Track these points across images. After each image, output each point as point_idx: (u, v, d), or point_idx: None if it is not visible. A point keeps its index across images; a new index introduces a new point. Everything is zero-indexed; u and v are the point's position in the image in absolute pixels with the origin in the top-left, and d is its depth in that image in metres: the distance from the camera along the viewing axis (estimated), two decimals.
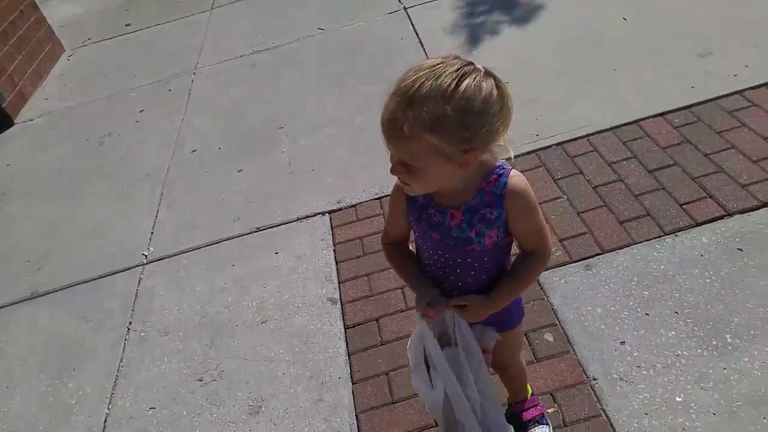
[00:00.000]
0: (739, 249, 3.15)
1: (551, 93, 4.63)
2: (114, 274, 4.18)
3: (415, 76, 1.61)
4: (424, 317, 2.03)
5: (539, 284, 3.26)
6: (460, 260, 1.97)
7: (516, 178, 1.84)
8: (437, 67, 1.61)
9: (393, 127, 1.64)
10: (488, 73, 1.66)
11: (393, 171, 1.75)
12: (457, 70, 1.60)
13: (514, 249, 2.06)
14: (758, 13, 4.91)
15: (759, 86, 4.13)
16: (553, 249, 3.39)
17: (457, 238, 1.90)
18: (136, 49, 7.49)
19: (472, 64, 1.64)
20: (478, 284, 2.02)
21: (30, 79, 6.95)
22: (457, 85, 1.58)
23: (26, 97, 6.80)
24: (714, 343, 2.79)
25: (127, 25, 8.09)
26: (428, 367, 2.19)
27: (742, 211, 3.34)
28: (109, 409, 3.33)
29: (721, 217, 3.34)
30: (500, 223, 1.88)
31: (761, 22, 4.77)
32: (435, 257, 2.01)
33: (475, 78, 1.61)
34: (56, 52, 7.69)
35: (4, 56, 6.53)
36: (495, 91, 1.64)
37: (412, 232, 2.11)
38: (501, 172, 1.83)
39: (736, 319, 2.86)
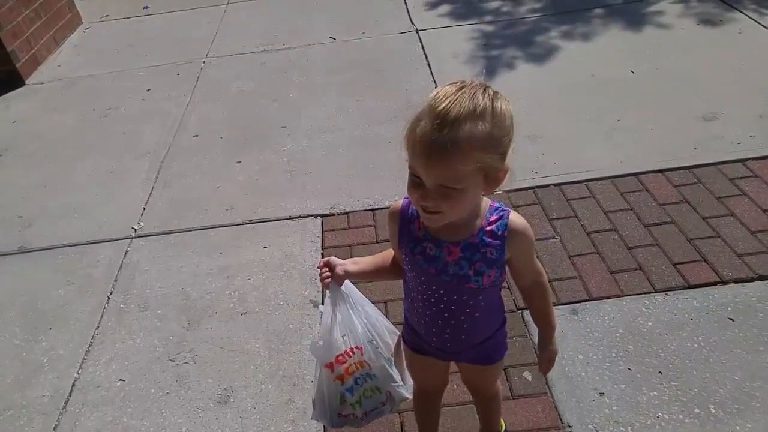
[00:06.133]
0: (730, 319, 2.95)
1: (555, 133, 4.43)
2: (102, 242, 4.02)
3: (448, 99, 1.49)
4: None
5: (524, 321, 3.05)
6: (455, 297, 1.80)
7: (517, 218, 1.75)
8: (465, 90, 1.52)
9: (436, 149, 1.48)
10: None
11: (425, 198, 1.56)
12: (485, 91, 1.53)
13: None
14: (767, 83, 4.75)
15: (762, 158, 3.95)
16: None
17: (454, 274, 1.74)
18: (150, 31, 7.29)
19: (490, 86, 1.56)
20: (472, 323, 1.86)
21: (46, 44, 6.76)
22: (493, 104, 1.51)
23: (39, 61, 6.62)
24: (696, 411, 2.58)
25: (144, 8, 7.93)
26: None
27: (737, 281, 3.14)
28: (78, 373, 3.16)
29: (715, 284, 3.15)
30: (500, 264, 1.76)
31: None
32: (429, 292, 1.82)
33: (500, 98, 1.55)
34: (74, 23, 7.49)
35: (23, 19, 6.34)
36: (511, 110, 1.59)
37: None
38: (502, 213, 1.74)
39: (721, 390, 2.65)
